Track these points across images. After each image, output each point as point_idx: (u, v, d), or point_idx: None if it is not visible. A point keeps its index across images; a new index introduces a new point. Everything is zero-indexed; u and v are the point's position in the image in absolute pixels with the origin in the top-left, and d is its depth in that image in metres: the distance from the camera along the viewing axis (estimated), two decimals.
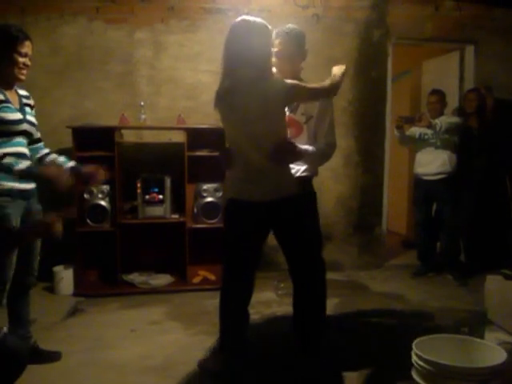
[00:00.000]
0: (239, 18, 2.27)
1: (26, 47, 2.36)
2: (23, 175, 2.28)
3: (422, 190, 4.43)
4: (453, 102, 5.06)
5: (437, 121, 4.16)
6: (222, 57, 2.27)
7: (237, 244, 2.46)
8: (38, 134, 2.59)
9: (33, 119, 2.49)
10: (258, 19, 2.27)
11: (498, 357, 2.00)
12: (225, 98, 2.27)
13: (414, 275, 4.44)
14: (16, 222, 2.31)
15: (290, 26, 2.59)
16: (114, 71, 4.25)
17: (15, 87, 2.45)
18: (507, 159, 4.36)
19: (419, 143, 4.43)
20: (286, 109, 2.59)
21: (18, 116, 2.34)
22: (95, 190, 3.89)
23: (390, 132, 4.85)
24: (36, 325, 3.15)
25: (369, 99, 4.69)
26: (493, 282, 3.23)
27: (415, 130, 4.39)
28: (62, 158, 2.60)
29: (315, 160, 2.58)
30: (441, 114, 4.35)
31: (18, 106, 2.39)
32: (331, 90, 2.40)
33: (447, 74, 5.18)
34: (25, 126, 2.38)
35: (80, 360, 2.69)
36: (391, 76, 4.83)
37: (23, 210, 2.38)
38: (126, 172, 4.08)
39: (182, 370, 2.58)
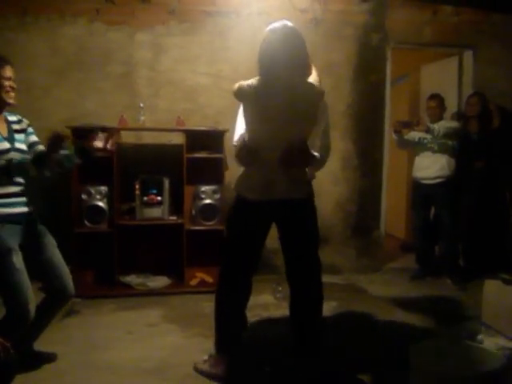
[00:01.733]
0: (278, 22, 2.35)
1: (8, 71, 2.36)
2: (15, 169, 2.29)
3: (421, 194, 4.44)
4: (451, 106, 5.07)
5: (435, 125, 4.17)
6: (259, 57, 2.33)
7: (241, 243, 2.47)
8: (40, 148, 2.52)
9: (23, 146, 2.42)
10: (290, 24, 2.36)
11: (495, 362, 1.99)
12: (262, 96, 2.30)
13: (413, 278, 4.44)
14: (11, 243, 2.27)
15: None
16: (114, 72, 4.26)
17: (4, 114, 2.42)
18: (506, 165, 4.37)
19: (418, 147, 4.44)
20: None
21: (5, 146, 2.30)
22: (93, 191, 3.88)
23: (389, 136, 4.85)
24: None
25: (368, 103, 4.71)
26: (491, 287, 3.23)
27: (414, 135, 4.40)
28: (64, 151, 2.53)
29: (317, 165, 2.61)
30: (440, 118, 4.35)
31: (6, 135, 2.35)
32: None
33: (446, 78, 5.20)
34: (13, 155, 2.33)
35: (75, 361, 2.67)
36: (390, 80, 4.85)
37: (20, 234, 2.35)
38: (125, 173, 4.07)
39: (179, 372, 2.57)
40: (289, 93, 2.29)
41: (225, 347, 2.52)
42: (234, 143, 2.59)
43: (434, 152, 4.31)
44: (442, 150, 4.27)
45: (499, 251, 4.43)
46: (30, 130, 2.56)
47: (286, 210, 2.39)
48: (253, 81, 2.33)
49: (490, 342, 2.68)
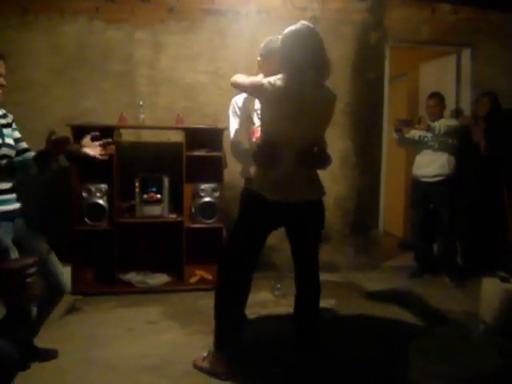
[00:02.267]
0: (301, 23, 2.34)
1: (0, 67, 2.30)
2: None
3: (421, 192, 4.45)
4: (450, 104, 5.08)
5: (435, 124, 4.17)
6: (283, 57, 2.33)
7: (248, 241, 2.46)
8: (24, 145, 2.52)
9: (11, 141, 2.39)
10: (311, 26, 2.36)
11: (493, 359, 2.01)
12: (291, 96, 2.29)
13: (411, 276, 4.47)
14: (8, 242, 2.26)
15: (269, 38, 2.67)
16: (114, 71, 4.27)
17: None
18: (505, 165, 4.39)
19: (419, 145, 4.44)
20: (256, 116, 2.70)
21: None
22: (93, 189, 3.90)
23: (387, 134, 4.87)
24: None
25: (366, 101, 4.73)
26: (489, 284, 3.25)
27: (415, 133, 4.40)
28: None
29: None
30: (440, 116, 4.35)
31: None
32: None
33: (444, 76, 5.21)
34: (4, 151, 2.32)
35: (76, 358, 2.69)
36: (388, 78, 4.86)
37: (12, 232, 2.33)
38: (125, 171, 4.08)
39: (178, 369, 2.59)
40: (312, 94, 2.32)
41: (224, 345, 2.53)
42: (232, 140, 2.62)
43: (435, 150, 4.31)
44: (443, 148, 4.28)
45: (497, 250, 4.45)
46: (14, 125, 2.51)
47: (301, 212, 2.41)
48: (275, 79, 2.31)
49: (487, 340, 2.70)
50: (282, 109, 2.31)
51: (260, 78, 2.46)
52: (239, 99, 2.76)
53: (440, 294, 3.99)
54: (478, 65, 4.90)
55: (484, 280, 3.29)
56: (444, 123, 4.21)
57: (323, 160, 2.47)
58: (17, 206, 2.41)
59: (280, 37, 2.38)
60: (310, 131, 2.36)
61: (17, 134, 2.53)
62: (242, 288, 2.55)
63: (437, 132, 4.14)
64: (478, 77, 4.88)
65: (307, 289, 2.54)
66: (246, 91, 2.57)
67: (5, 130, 2.40)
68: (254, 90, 2.42)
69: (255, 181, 2.45)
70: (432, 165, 4.31)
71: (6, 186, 2.34)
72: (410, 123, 4.31)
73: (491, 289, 3.21)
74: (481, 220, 4.43)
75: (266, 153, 2.36)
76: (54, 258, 2.51)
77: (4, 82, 2.33)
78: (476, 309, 3.32)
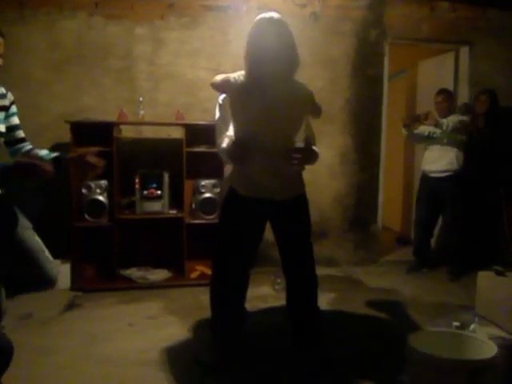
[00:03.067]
0: (264, 14, 2.27)
1: None
2: None
3: (428, 187, 4.44)
4: None
5: (444, 120, 4.14)
6: (246, 50, 2.26)
7: (232, 237, 2.44)
8: (21, 134, 2.34)
9: (1, 127, 2.20)
10: (280, 16, 2.28)
11: (488, 351, 2.01)
12: (252, 91, 2.25)
13: (409, 270, 4.50)
14: None
15: None
16: (114, 67, 4.26)
17: None
18: (499, 163, 4.42)
19: (427, 141, 4.41)
20: None
21: None
22: (93, 185, 3.91)
23: (387, 130, 4.90)
24: (32, 319, 3.20)
25: (365, 98, 4.75)
26: (484, 278, 3.29)
27: (424, 129, 4.33)
28: (44, 151, 2.29)
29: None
30: (448, 112, 4.31)
31: None
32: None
33: (442, 74, 5.24)
34: None
35: (77, 354, 2.70)
36: (387, 75, 4.88)
37: None
38: (125, 167, 4.09)
39: (179, 363, 2.60)
40: (278, 90, 2.24)
41: (220, 338, 2.55)
42: (222, 145, 2.53)
43: (443, 146, 4.28)
44: (452, 143, 4.24)
45: (491, 246, 4.50)
46: (14, 109, 2.30)
47: (278, 208, 2.37)
48: (239, 75, 2.29)
49: (483, 332, 2.72)
50: (245, 105, 2.28)
51: (233, 75, 2.41)
52: (221, 96, 2.77)
53: (437, 288, 4.04)
54: (476, 62, 4.93)
55: (479, 274, 3.33)
56: (452, 119, 4.18)
57: (305, 156, 2.34)
58: None
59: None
60: (280, 127, 2.27)
61: (15, 120, 2.32)
62: (235, 285, 2.52)
63: (444, 128, 4.11)
64: (476, 74, 4.91)
65: (294, 284, 2.52)
66: (218, 90, 2.56)
67: None
68: (224, 88, 2.39)
69: (230, 177, 2.49)
70: (441, 160, 4.31)
71: None
72: (418, 119, 4.28)
73: (486, 282, 3.25)
74: (477, 216, 4.46)
75: (235, 151, 2.31)
76: (33, 244, 2.30)
77: (1, 63, 2.15)
78: (471, 301, 3.37)
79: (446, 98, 4.36)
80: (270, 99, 2.22)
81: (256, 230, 2.47)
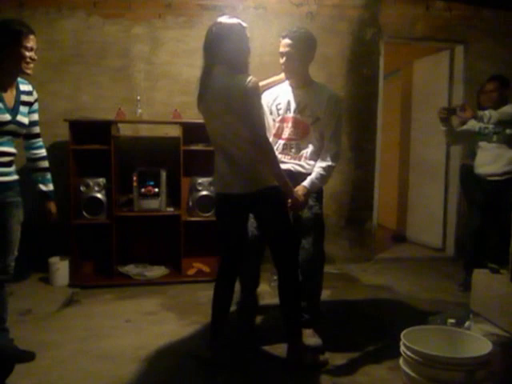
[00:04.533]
0: (215, 21, 2.37)
1: (31, 41, 2.34)
2: None
3: (485, 193, 3.85)
4: (442, 100, 5.16)
5: (485, 112, 3.53)
6: (202, 59, 2.40)
7: (225, 236, 2.60)
8: (37, 130, 2.59)
9: (24, 120, 2.41)
10: (233, 19, 2.36)
11: (483, 348, 2.04)
12: (203, 95, 2.38)
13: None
14: None
15: (300, 28, 2.71)
16: (111, 66, 4.29)
17: (18, 80, 2.41)
18: None
19: (478, 139, 3.84)
20: (293, 110, 2.74)
21: (6, 118, 2.29)
22: (91, 183, 3.94)
23: (382, 129, 4.94)
24: (31, 315, 3.23)
25: (361, 96, 4.78)
26: (479, 276, 3.32)
27: (474, 124, 3.77)
28: (45, 186, 2.59)
29: (325, 181, 2.73)
30: (500, 103, 3.70)
31: (11, 106, 2.33)
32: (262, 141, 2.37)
33: (437, 72, 5.28)
34: (11, 127, 2.32)
35: (74, 349, 2.73)
36: (383, 74, 4.91)
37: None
38: (122, 165, 4.12)
39: (176, 359, 2.64)
40: (222, 90, 2.30)
41: (215, 334, 2.60)
42: None
43: (499, 143, 3.70)
44: (506, 141, 3.67)
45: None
46: (36, 106, 2.56)
47: (243, 202, 2.45)
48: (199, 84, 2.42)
49: (478, 329, 2.75)
50: (203, 106, 2.42)
51: None
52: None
53: (432, 285, 4.09)
54: (471, 61, 4.97)
55: (475, 271, 3.36)
56: (496, 111, 3.54)
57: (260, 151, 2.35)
58: (11, 177, 2.40)
59: None
60: (223, 122, 2.34)
61: (35, 117, 2.56)
62: (231, 278, 2.61)
63: (486, 121, 3.53)
64: (471, 73, 4.95)
65: (279, 273, 2.57)
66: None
67: (22, 108, 2.41)
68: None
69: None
70: (498, 161, 3.73)
71: (4, 159, 2.33)
72: (454, 112, 3.72)
73: (481, 280, 3.28)
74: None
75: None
76: (13, 237, 2.43)
77: (35, 57, 2.39)
78: (467, 299, 3.40)
79: (499, 86, 3.76)
80: (211, 95, 2.34)
81: (234, 224, 2.56)
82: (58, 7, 4.17)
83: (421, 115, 5.61)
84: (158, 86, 4.38)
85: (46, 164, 2.61)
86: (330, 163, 2.68)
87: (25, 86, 2.46)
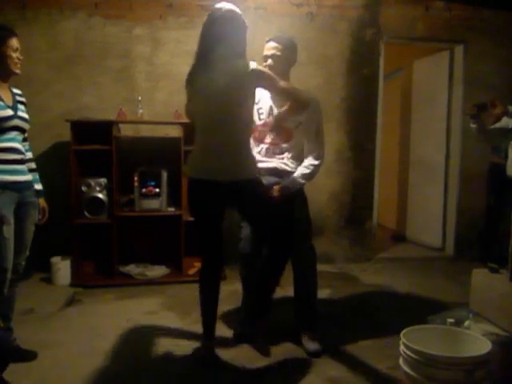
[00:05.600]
0: (215, 6, 2.41)
1: (15, 42, 2.42)
2: None
3: None
4: (442, 100, 5.18)
5: None
6: (198, 41, 2.42)
7: (209, 228, 2.53)
8: (25, 134, 2.61)
9: (25, 115, 2.50)
10: (231, 6, 2.41)
11: (483, 347, 2.04)
12: (199, 75, 2.39)
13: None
14: (7, 212, 2.32)
15: (282, 33, 2.86)
16: (113, 66, 4.31)
17: (9, 86, 2.49)
18: None
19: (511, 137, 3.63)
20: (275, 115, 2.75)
21: (9, 113, 2.36)
22: (93, 183, 3.96)
23: (382, 129, 4.95)
24: (33, 314, 3.24)
25: (361, 96, 4.79)
26: (479, 275, 3.32)
27: (509, 121, 3.59)
28: (37, 185, 2.64)
29: (308, 178, 2.77)
30: None
31: (10, 103, 2.42)
32: (284, 91, 2.51)
33: (437, 73, 5.29)
34: (16, 122, 2.40)
35: (77, 349, 2.75)
36: (383, 74, 4.92)
37: (16, 202, 2.40)
38: (124, 165, 4.14)
39: (177, 358, 2.65)
40: (218, 69, 2.33)
41: (207, 334, 2.59)
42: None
43: None
44: None
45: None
46: (26, 109, 2.60)
47: (225, 191, 2.39)
48: (192, 66, 2.44)
49: (477, 329, 2.76)
50: (191, 86, 2.47)
51: None
52: None
53: (432, 285, 4.09)
54: (471, 61, 4.97)
55: (474, 271, 3.37)
56: None
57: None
58: (25, 178, 2.46)
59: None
60: (220, 106, 2.34)
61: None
62: (217, 279, 2.59)
63: None
64: (471, 73, 4.96)
65: (270, 254, 2.55)
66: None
67: (20, 106, 2.50)
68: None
69: (187, 164, 2.60)
70: None
71: (17, 156, 2.40)
72: (484, 107, 3.62)
73: (481, 279, 3.28)
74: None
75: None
76: (26, 237, 2.51)
77: (21, 57, 2.47)
78: (466, 298, 3.41)
79: None
80: (210, 78, 2.34)
81: (216, 214, 2.50)
82: (59, 8, 4.20)
83: (421, 115, 5.62)
84: (159, 87, 4.39)
85: (34, 165, 2.67)
86: (312, 161, 2.76)
87: (17, 90, 2.56)
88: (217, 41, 2.34)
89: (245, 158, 2.43)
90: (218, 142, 2.38)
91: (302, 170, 2.75)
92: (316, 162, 2.76)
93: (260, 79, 2.38)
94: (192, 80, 2.44)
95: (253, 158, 2.51)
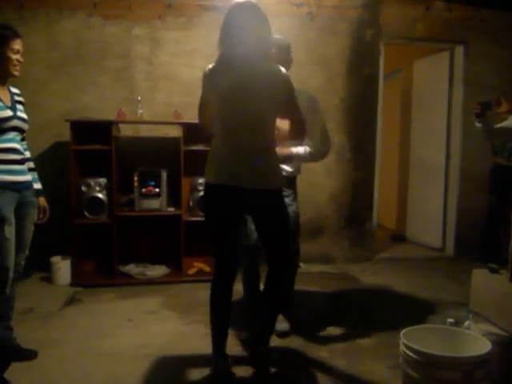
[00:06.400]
0: (235, 1, 2.25)
1: (18, 44, 2.41)
2: None
3: None
4: (442, 99, 5.18)
5: None
6: (220, 34, 2.22)
7: (225, 230, 2.35)
8: (24, 134, 2.61)
9: (24, 115, 2.50)
10: (255, 2, 2.28)
11: (482, 347, 2.04)
12: (222, 74, 2.19)
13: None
14: (8, 212, 2.32)
15: (278, 36, 2.78)
16: (112, 66, 4.31)
17: (7, 85, 2.49)
18: None
19: None
20: None
21: (8, 113, 2.36)
22: (93, 183, 3.96)
23: (382, 129, 4.95)
24: (34, 314, 3.25)
25: (361, 97, 4.79)
26: (479, 275, 3.33)
27: None
28: (37, 184, 2.64)
29: (311, 158, 2.82)
30: None
31: (9, 104, 2.41)
32: (301, 122, 2.33)
33: (437, 73, 5.29)
34: (15, 123, 2.39)
35: (77, 348, 2.75)
36: (383, 74, 4.92)
37: (16, 202, 2.40)
38: (123, 165, 4.14)
39: (177, 357, 2.66)
40: (248, 71, 2.17)
41: (216, 345, 2.41)
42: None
43: None
44: None
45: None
46: (24, 109, 2.58)
47: (246, 199, 2.23)
48: (212, 63, 2.24)
49: (477, 328, 2.76)
50: (215, 87, 2.21)
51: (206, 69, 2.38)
52: None
53: (431, 285, 4.09)
54: (471, 62, 4.97)
55: (474, 271, 3.38)
56: None
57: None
58: (25, 178, 2.47)
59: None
60: (248, 109, 2.17)
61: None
62: (230, 287, 2.41)
63: None
64: (471, 74, 4.96)
65: (272, 273, 2.38)
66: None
67: (18, 106, 2.49)
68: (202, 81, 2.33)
69: (207, 168, 2.39)
70: None
71: (16, 156, 2.40)
72: (489, 106, 3.49)
73: (481, 279, 3.29)
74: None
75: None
76: (26, 237, 2.51)
77: (21, 59, 2.45)
78: (466, 299, 3.41)
79: None
80: (239, 80, 2.17)
81: (232, 220, 2.33)
82: (58, 8, 4.20)
83: (421, 115, 5.62)
84: (159, 87, 4.40)
85: (33, 164, 2.67)
86: (310, 150, 2.81)
87: (15, 90, 2.55)
88: (240, 35, 2.17)
89: (272, 164, 2.29)
90: (246, 147, 2.20)
91: (308, 149, 2.81)
92: (312, 151, 2.82)
93: (293, 92, 2.24)
94: (213, 80, 2.22)
95: (279, 166, 2.37)
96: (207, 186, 2.32)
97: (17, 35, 2.41)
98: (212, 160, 2.30)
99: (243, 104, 2.17)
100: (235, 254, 2.41)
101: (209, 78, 2.25)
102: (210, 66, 2.25)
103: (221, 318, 2.41)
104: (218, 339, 2.40)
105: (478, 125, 3.50)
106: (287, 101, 2.23)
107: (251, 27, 2.18)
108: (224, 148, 2.25)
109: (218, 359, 2.39)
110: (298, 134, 2.36)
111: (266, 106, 2.19)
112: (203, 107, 2.35)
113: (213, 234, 2.37)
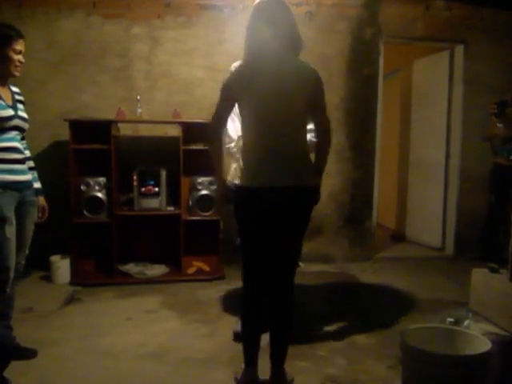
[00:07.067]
0: None
1: (20, 45, 2.41)
2: None
3: None
4: (442, 100, 5.17)
5: None
6: (246, 32, 2.15)
7: (258, 243, 2.22)
8: (24, 132, 2.61)
9: (25, 115, 2.50)
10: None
11: (482, 346, 2.04)
12: (253, 73, 2.11)
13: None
14: (8, 212, 2.32)
15: None
16: (111, 65, 4.31)
17: (8, 84, 2.49)
18: None
19: None
20: None
21: (10, 112, 2.36)
22: (92, 183, 3.96)
23: (382, 128, 4.94)
24: (33, 313, 3.25)
25: (360, 96, 4.79)
26: (479, 275, 3.33)
27: None
28: (36, 184, 2.64)
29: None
30: None
31: (10, 103, 2.41)
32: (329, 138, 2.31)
33: (437, 72, 5.29)
34: (16, 122, 2.40)
35: (76, 347, 2.75)
36: (382, 74, 4.92)
37: (17, 201, 2.40)
38: (123, 165, 4.14)
39: (176, 356, 2.66)
40: (280, 69, 2.10)
41: (248, 360, 2.33)
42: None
43: None
44: None
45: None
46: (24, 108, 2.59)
47: (277, 198, 2.13)
48: (238, 62, 2.14)
49: (476, 328, 2.76)
50: (248, 87, 2.10)
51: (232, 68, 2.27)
52: None
53: (431, 284, 4.09)
54: (471, 61, 4.96)
55: (474, 270, 3.38)
56: None
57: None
58: (25, 177, 2.47)
59: None
60: (283, 106, 2.11)
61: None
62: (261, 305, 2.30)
63: None
64: (471, 73, 4.95)
65: (277, 295, 2.31)
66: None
67: (19, 105, 2.49)
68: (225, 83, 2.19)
69: (241, 172, 2.25)
70: None
71: (17, 155, 2.40)
72: (505, 104, 3.49)
73: (481, 279, 3.29)
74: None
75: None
76: (26, 235, 2.51)
77: (23, 60, 2.44)
78: (466, 298, 3.42)
79: None
80: (275, 79, 2.09)
81: (271, 226, 2.18)
82: (57, 7, 4.19)
83: (421, 115, 5.62)
84: (158, 86, 4.39)
85: (33, 163, 2.67)
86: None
87: (15, 89, 2.56)
88: (271, 30, 2.08)
89: (310, 163, 2.22)
90: (285, 147, 2.12)
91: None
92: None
93: (323, 93, 2.21)
94: (244, 80, 2.11)
95: (311, 164, 2.26)
96: (243, 190, 2.16)
97: (20, 35, 2.41)
98: (247, 163, 2.17)
99: (280, 104, 2.10)
100: (267, 267, 2.27)
101: (237, 77, 2.12)
102: (237, 65, 2.13)
103: (252, 331, 2.33)
104: (248, 349, 2.33)
105: (499, 125, 3.46)
106: (317, 101, 2.19)
107: (282, 22, 2.11)
108: (260, 149, 2.14)
109: (248, 368, 2.33)
110: (323, 143, 2.29)
111: (301, 105, 2.14)
112: (223, 107, 2.20)
113: (246, 243, 2.24)
